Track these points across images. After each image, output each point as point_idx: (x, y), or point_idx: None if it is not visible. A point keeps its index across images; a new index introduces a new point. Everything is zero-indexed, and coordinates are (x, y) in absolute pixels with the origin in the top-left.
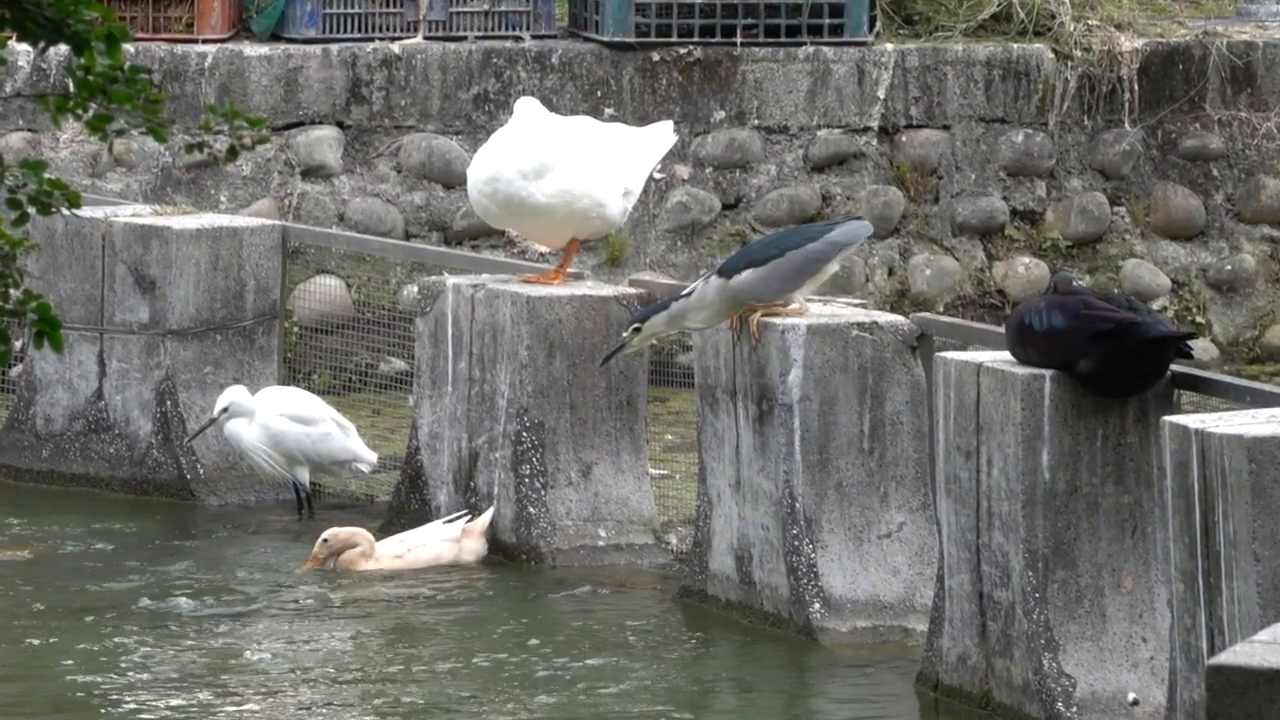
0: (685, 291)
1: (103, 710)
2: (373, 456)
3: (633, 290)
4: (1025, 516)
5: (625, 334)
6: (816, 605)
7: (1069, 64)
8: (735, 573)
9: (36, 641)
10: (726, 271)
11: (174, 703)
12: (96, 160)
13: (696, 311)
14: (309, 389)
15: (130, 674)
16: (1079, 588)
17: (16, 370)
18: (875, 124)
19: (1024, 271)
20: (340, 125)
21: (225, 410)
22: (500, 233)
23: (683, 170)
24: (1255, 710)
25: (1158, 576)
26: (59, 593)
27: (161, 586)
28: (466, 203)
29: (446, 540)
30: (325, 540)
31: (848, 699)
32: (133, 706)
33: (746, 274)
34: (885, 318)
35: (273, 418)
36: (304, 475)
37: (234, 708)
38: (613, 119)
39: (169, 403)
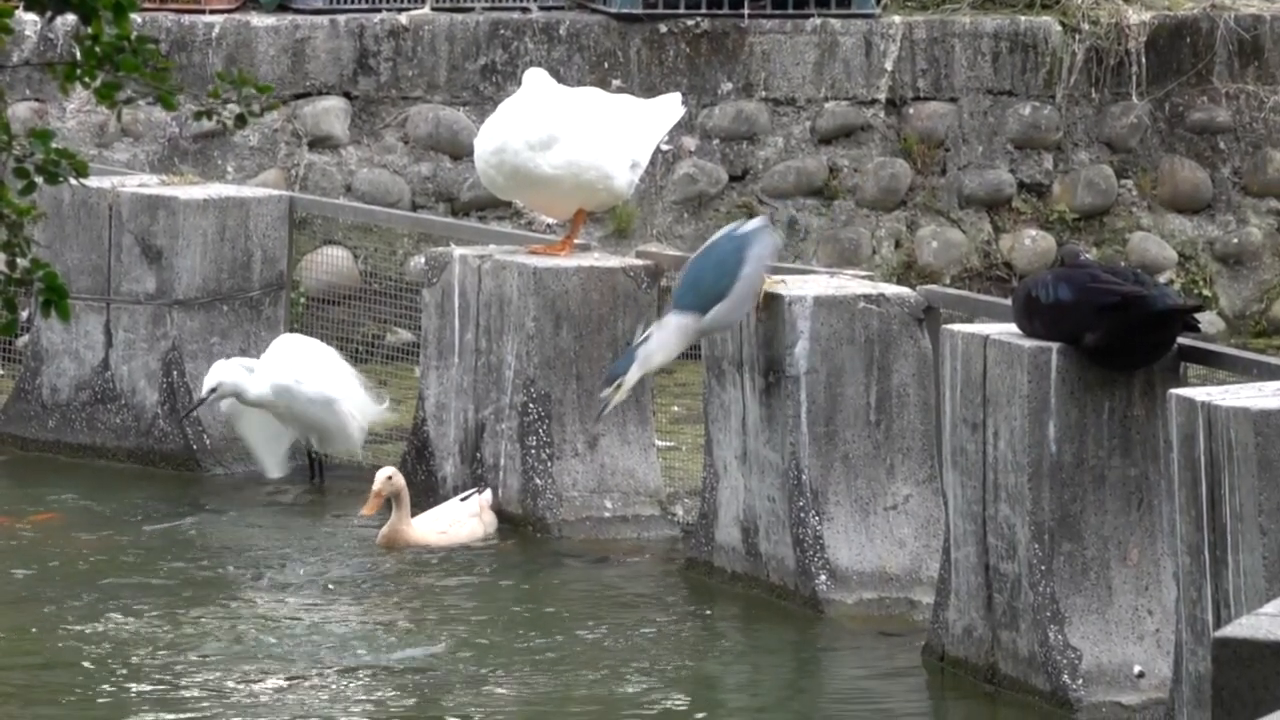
0: (643, 336)
1: (113, 684)
2: (377, 414)
3: (639, 262)
4: (1031, 489)
5: (607, 391)
6: (822, 577)
7: (1076, 37)
8: (741, 544)
9: (41, 611)
10: (689, 308)
11: (181, 673)
12: (103, 130)
13: (661, 354)
14: None
15: (136, 646)
16: (1085, 560)
17: (23, 340)
18: (882, 96)
19: (1031, 244)
20: (347, 96)
21: (214, 390)
22: (507, 204)
23: (690, 142)
24: (1261, 682)
25: (1164, 549)
26: (64, 563)
27: (168, 557)
28: (474, 174)
29: (474, 516)
30: (390, 477)
31: (853, 671)
32: (142, 678)
33: (716, 310)
34: (892, 290)
35: (289, 367)
36: (318, 441)
37: (240, 679)
38: (620, 90)
39: (175, 373)
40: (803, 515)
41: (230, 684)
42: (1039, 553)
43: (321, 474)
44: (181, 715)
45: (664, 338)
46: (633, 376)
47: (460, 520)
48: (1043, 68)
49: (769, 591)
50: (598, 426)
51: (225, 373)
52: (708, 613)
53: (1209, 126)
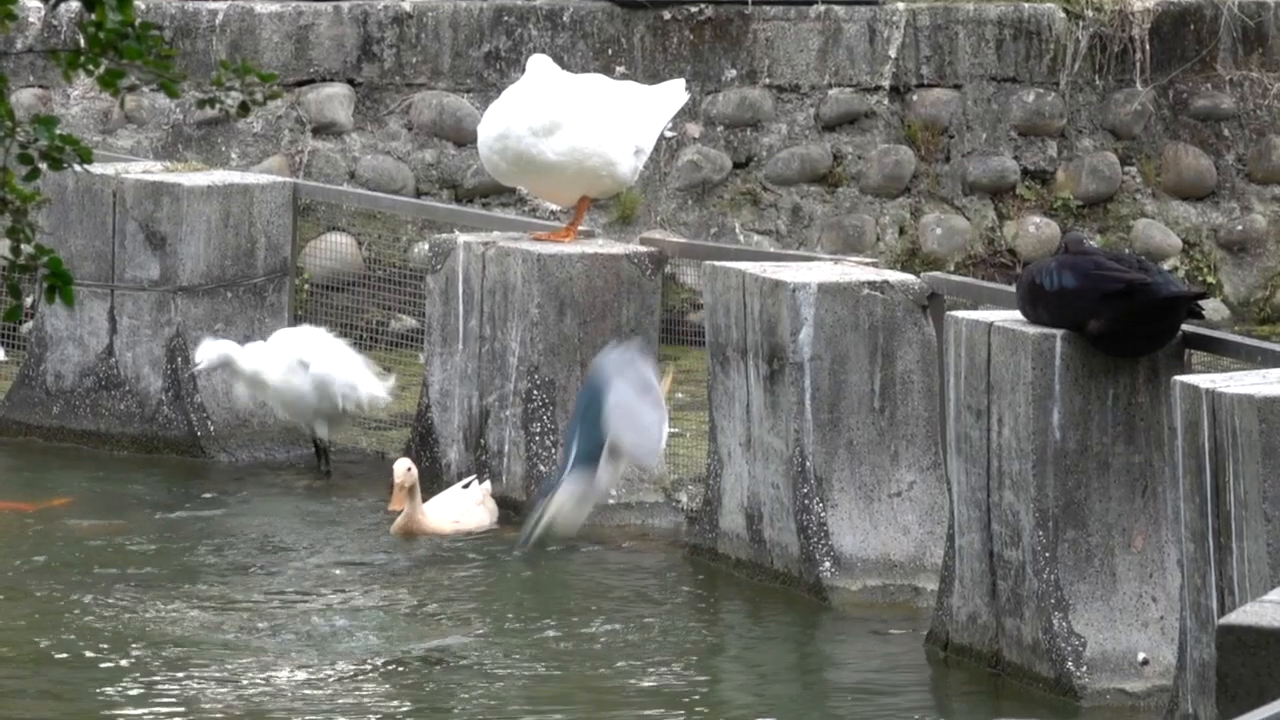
0: (567, 474)
1: (118, 674)
2: (384, 392)
3: (644, 249)
4: (1036, 476)
5: (542, 506)
6: (827, 564)
7: (1080, 23)
8: (745, 531)
9: (45, 600)
10: (587, 460)
11: (189, 662)
12: (107, 117)
13: (573, 506)
14: None
15: (141, 635)
16: (1089, 547)
17: (27, 326)
18: (886, 83)
19: (1035, 231)
20: (351, 83)
21: (200, 364)
22: (511, 190)
23: (694, 129)
24: (1265, 669)
25: (1168, 536)
26: (68, 551)
27: (174, 544)
28: (477, 160)
29: (480, 504)
30: (409, 469)
31: (857, 658)
32: (148, 667)
33: (604, 459)
34: (896, 276)
35: (290, 360)
36: (322, 429)
37: (249, 669)
38: (624, 77)
39: (179, 359)
40: (807, 502)
41: (239, 673)
42: (1043, 539)
43: (328, 461)
44: (192, 705)
45: (573, 491)
46: (565, 494)
47: (469, 509)
48: (1046, 54)
49: (773, 578)
50: (514, 553)
51: (212, 351)
52: (712, 600)
53: (1213, 113)
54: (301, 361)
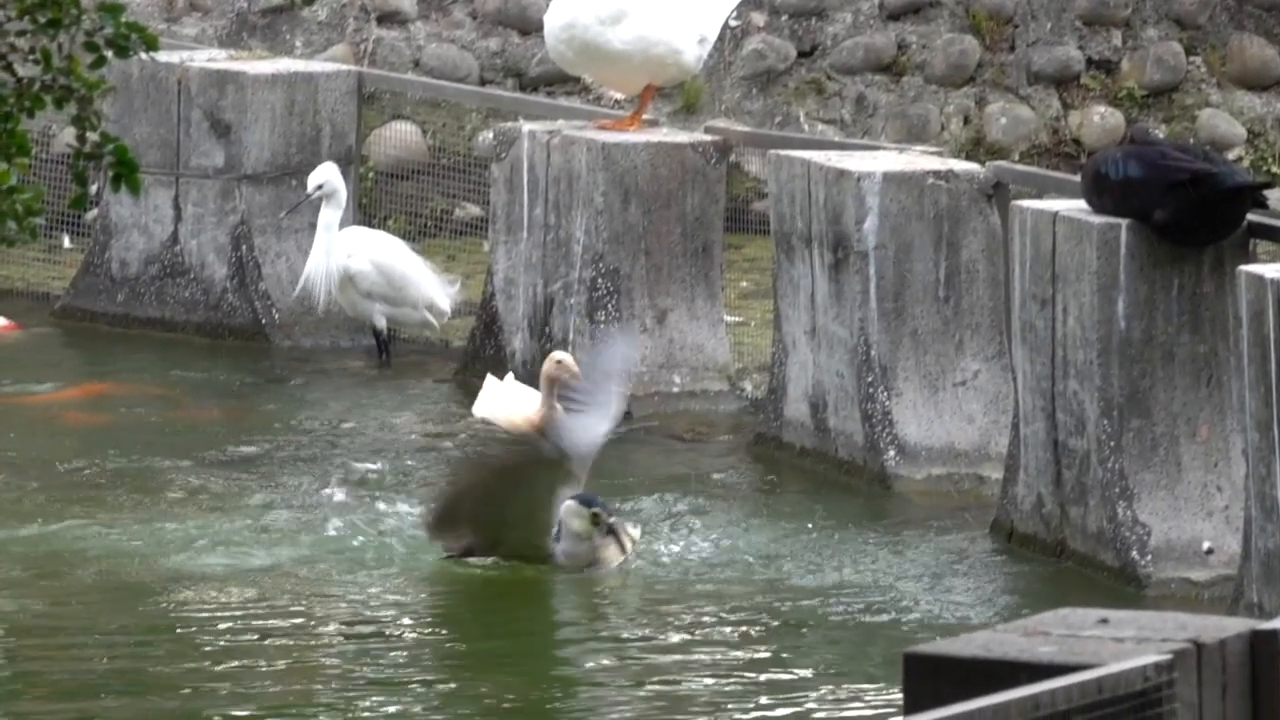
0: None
1: (174, 560)
2: (447, 305)
3: (708, 138)
4: (1100, 365)
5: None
6: (891, 453)
7: None
8: (810, 420)
9: (105, 487)
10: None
11: (245, 549)
12: (172, 5)
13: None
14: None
15: (207, 524)
16: (1154, 436)
17: (91, 214)
18: None
19: (1099, 121)
20: None
21: (320, 187)
22: (576, 79)
23: (758, 18)
24: None
25: (1233, 426)
26: (134, 438)
27: (236, 432)
28: (542, 49)
29: None
30: (560, 361)
31: (922, 546)
32: (208, 555)
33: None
34: (961, 166)
35: (354, 259)
36: (381, 320)
37: (303, 563)
38: None
39: (244, 247)
40: (871, 391)
41: (292, 569)
42: (1108, 429)
43: (388, 352)
44: (259, 588)
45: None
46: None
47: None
48: None
49: (837, 467)
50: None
51: (330, 173)
52: (775, 488)
53: (1278, 3)
54: (366, 279)
